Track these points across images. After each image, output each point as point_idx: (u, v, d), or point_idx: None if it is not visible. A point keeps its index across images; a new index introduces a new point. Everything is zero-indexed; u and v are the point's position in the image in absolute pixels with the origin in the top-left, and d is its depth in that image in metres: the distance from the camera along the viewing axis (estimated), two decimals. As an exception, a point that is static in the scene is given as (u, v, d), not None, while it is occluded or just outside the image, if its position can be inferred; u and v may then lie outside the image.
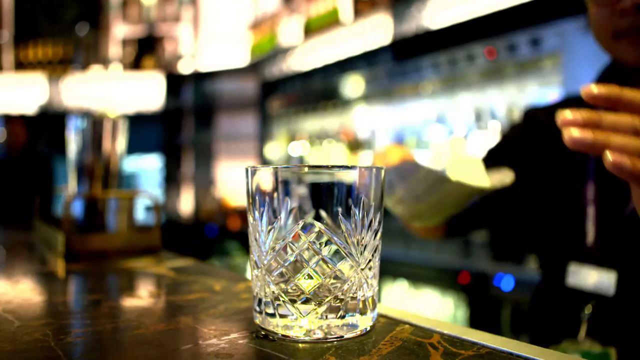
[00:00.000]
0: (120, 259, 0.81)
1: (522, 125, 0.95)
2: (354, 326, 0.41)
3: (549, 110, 0.89)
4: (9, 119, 3.21)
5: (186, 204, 4.94)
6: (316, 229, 0.40)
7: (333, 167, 0.40)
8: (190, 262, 0.79)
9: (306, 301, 0.40)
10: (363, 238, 0.40)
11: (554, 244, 0.88)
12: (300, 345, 0.39)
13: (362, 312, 0.42)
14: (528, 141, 0.90)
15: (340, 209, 0.40)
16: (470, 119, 2.60)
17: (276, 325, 0.41)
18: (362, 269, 0.41)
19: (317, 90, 3.71)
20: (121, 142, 0.95)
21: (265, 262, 0.41)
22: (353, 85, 3.39)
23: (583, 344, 0.74)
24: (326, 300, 0.40)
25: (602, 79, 0.83)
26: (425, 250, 2.63)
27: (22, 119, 3.28)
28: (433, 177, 0.70)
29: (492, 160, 0.85)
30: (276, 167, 0.41)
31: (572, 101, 0.87)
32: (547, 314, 0.87)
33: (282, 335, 0.41)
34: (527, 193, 0.89)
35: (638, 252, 0.74)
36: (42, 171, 3.08)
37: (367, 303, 0.42)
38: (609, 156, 0.42)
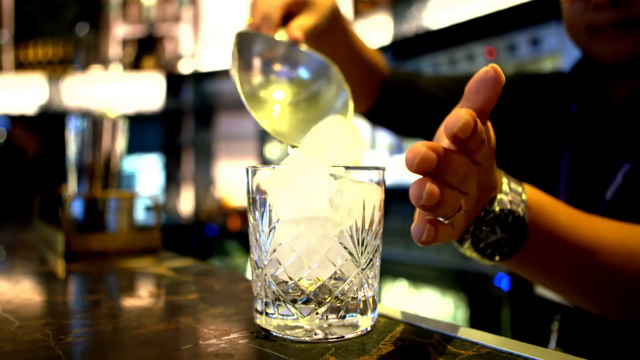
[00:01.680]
0: (120, 259, 0.81)
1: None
2: (354, 326, 0.41)
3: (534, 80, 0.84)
4: (16, 124, 3.21)
5: (186, 204, 4.94)
6: (316, 229, 0.39)
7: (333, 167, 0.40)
8: (190, 262, 0.79)
9: (307, 301, 0.40)
10: (364, 238, 0.40)
11: None
12: (300, 345, 0.39)
13: (363, 312, 0.42)
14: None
15: (340, 209, 0.40)
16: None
17: (276, 326, 0.41)
18: (363, 269, 0.41)
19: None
20: (121, 142, 0.95)
21: (266, 262, 0.41)
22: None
23: None
24: (327, 301, 0.40)
25: (574, 75, 0.78)
26: (425, 250, 2.62)
27: (29, 122, 3.29)
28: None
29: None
30: (276, 167, 0.41)
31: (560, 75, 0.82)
32: (519, 321, 0.85)
33: (282, 335, 0.41)
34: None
35: None
36: (57, 172, 3.11)
37: (367, 303, 0.42)
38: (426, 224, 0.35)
